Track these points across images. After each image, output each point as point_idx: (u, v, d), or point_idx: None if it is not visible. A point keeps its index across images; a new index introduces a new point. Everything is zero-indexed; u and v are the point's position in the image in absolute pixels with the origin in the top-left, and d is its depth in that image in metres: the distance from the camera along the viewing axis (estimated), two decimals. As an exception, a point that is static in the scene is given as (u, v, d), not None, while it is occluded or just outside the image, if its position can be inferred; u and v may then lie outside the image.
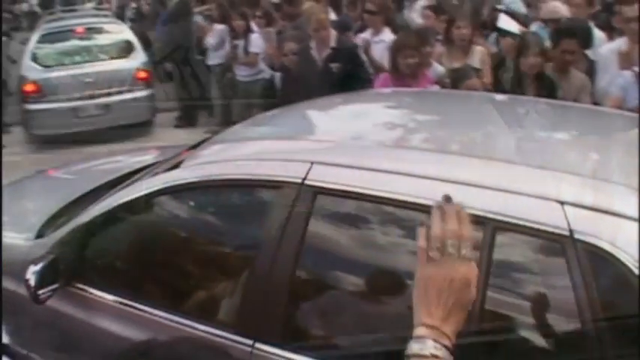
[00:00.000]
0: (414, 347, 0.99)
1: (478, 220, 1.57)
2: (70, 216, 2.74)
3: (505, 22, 5.14)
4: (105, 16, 10.93)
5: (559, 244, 1.53)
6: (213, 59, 8.01)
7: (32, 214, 3.08)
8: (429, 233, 1.02)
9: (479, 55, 4.83)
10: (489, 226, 1.59)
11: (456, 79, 4.22)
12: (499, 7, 6.50)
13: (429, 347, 0.97)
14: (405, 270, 1.81)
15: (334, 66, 4.75)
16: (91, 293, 2.41)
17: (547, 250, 1.57)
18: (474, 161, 1.83)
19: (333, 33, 4.97)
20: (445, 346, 0.98)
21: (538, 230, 1.55)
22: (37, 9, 20.49)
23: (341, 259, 1.95)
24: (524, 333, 1.64)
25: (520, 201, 1.61)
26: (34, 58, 8.30)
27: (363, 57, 5.06)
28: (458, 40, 4.80)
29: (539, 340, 1.64)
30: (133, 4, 12.92)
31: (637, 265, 1.45)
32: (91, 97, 8.08)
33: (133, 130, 8.24)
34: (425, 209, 1.68)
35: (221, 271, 2.27)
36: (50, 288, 2.33)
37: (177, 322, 2.13)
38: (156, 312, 2.20)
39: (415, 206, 1.71)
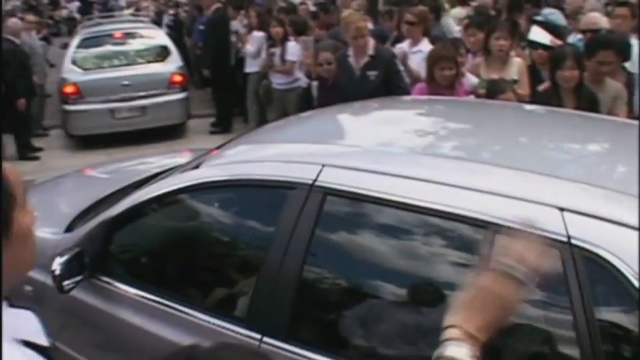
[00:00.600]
0: (452, 349, 1.00)
1: (478, 224, 1.65)
2: (97, 212, 2.87)
3: (536, 34, 5.12)
4: (142, 22, 11.21)
5: (557, 249, 1.54)
6: (251, 67, 8.07)
7: (64, 210, 3.23)
8: (496, 243, 1.05)
9: (517, 66, 4.82)
10: (490, 230, 1.63)
11: (492, 92, 4.22)
12: (537, 18, 6.48)
13: (466, 355, 0.99)
14: (409, 271, 1.88)
15: (372, 74, 4.75)
16: (114, 286, 2.52)
17: (545, 256, 1.61)
18: (477, 167, 1.89)
19: (371, 41, 5.01)
20: (477, 357, 1.00)
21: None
22: (77, 15, 21.05)
23: (348, 259, 2.03)
24: (519, 337, 1.68)
25: (520, 206, 1.65)
26: (74, 61, 8.65)
27: (401, 66, 5.10)
28: (496, 51, 4.80)
29: (534, 345, 1.69)
30: (171, 11, 13.18)
31: (634, 273, 1.47)
32: (128, 99, 8.36)
33: (168, 134, 8.44)
34: (430, 212, 1.76)
35: (235, 268, 2.36)
36: (74, 279, 2.44)
37: (193, 316, 2.23)
38: (173, 305, 2.31)
39: (421, 210, 1.78)
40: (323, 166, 2.02)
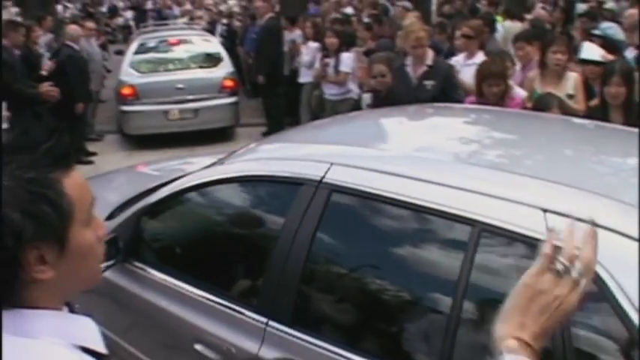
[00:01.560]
0: None
1: (465, 221, 1.76)
2: (135, 202, 3.10)
3: (586, 51, 5.07)
4: (195, 29, 11.72)
5: (536, 247, 1.62)
6: (305, 77, 8.15)
7: (109, 200, 3.45)
8: (556, 245, 0.99)
9: (573, 81, 4.77)
10: (477, 228, 1.75)
11: (538, 106, 4.18)
12: (595, 32, 6.41)
13: None
14: (402, 263, 2.03)
15: (428, 83, 4.76)
16: (145, 271, 2.72)
17: (525, 253, 1.68)
18: (475, 170, 2.01)
19: (430, 52, 5.01)
20: None
21: (518, 234, 1.69)
22: (132, 23, 21.70)
23: (348, 252, 2.19)
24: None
25: (505, 206, 1.75)
26: (132, 65, 9.14)
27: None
28: (552, 65, 4.78)
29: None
30: (224, 20, 13.49)
31: (606, 271, 1.53)
32: (181, 101, 8.76)
33: (219, 137, 8.74)
34: (424, 210, 1.89)
35: (250, 257, 2.56)
36: (107, 263, 2.60)
37: (210, 300, 2.42)
38: (194, 290, 2.49)
39: (413, 206, 1.93)
40: (331, 164, 2.17)
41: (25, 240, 0.94)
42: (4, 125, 5.77)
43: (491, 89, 4.20)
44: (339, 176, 2.11)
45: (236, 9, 15.15)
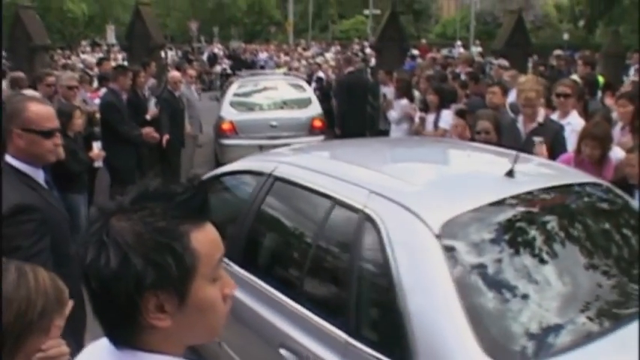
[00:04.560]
0: None
1: (325, 196, 2.90)
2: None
3: None
4: (288, 76, 13.12)
5: (356, 214, 2.70)
6: (396, 132, 8.46)
7: None
8: None
9: None
10: (332, 201, 2.87)
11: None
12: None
13: None
14: (305, 224, 3.18)
15: (537, 140, 4.80)
16: None
17: (353, 217, 2.72)
18: (351, 166, 3.20)
19: (541, 110, 5.12)
20: None
21: (351, 205, 2.77)
22: (229, 71, 22.90)
23: (283, 218, 3.38)
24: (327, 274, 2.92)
25: (350, 187, 2.85)
26: (231, 104, 10.52)
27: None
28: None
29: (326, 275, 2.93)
30: (320, 73, 14.06)
31: (386, 229, 2.51)
32: (275, 137, 9.85)
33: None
34: (314, 191, 3.06)
35: (228, 221, 3.71)
36: None
37: None
38: None
39: (311, 189, 3.06)
40: (279, 163, 3.44)
41: (144, 286, 0.98)
42: (99, 164, 6.14)
43: (586, 149, 4.28)
44: (281, 170, 3.36)
45: (332, 62, 15.75)
